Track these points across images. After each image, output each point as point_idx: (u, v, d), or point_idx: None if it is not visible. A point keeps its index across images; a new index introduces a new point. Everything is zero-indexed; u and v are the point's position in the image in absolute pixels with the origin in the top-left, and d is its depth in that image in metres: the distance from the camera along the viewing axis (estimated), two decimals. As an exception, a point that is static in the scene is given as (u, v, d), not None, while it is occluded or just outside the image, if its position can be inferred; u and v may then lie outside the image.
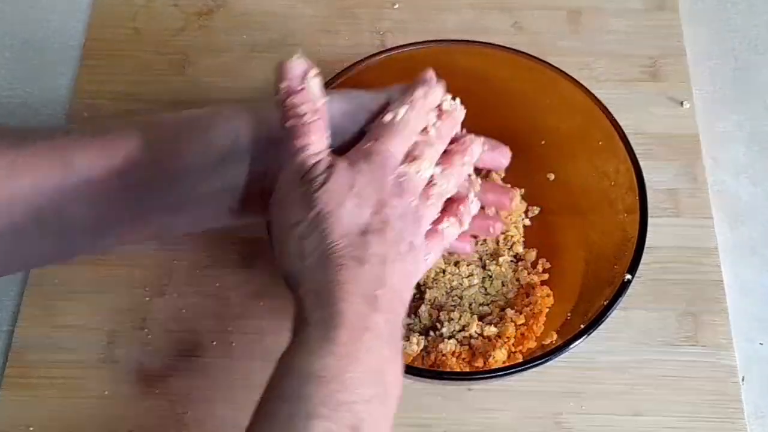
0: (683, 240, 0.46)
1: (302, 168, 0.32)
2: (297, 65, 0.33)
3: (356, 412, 0.27)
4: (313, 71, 0.33)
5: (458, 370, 0.40)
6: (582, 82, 0.42)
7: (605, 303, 0.36)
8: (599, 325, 0.36)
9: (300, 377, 0.28)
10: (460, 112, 0.37)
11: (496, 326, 0.41)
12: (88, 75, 0.52)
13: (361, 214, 0.31)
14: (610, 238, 0.40)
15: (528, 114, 0.44)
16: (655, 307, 0.44)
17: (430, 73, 0.36)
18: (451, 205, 0.36)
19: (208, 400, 0.42)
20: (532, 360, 0.36)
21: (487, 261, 0.44)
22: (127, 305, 0.44)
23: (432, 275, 0.43)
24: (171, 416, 0.41)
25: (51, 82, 0.52)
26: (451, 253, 0.44)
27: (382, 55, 0.43)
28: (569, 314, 0.40)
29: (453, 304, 0.42)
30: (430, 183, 0.34)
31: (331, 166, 0.32)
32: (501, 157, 0.40)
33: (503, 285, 0.43)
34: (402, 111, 0.34)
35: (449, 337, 0.41)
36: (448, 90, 0.38)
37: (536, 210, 0.45)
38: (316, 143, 0.32)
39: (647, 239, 0.38)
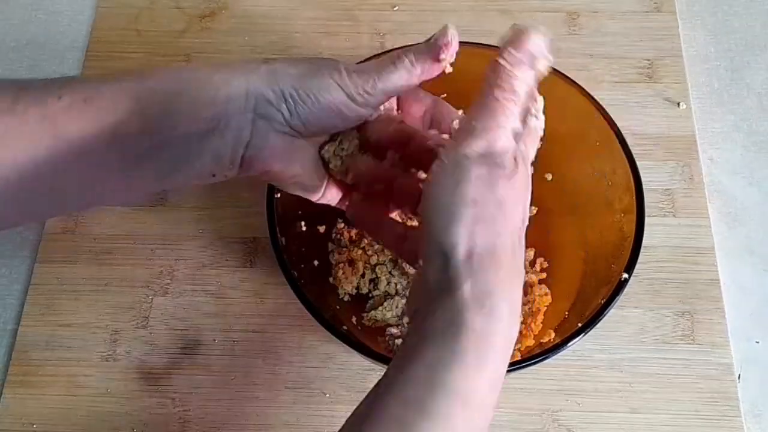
0: (680, 239, 0.46)
1: (494, 145, 0.29)
2: (544, 40, 0.31)
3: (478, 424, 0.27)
4: (546, 62, 0.31)
5: (457, 368, 0.40)
6: (580, 83, 0.42)
7: (602, 302, 0.36)
8: (597, 323, 0.36)
9: (448, 395, 0.26)
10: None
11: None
12: (91, 76, 0.53)
13: (518, 219, 0.30)
14: (607, 238, 0.40)
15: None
16: (652, 305, 0.44)
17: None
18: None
19: (210, 397, 0.42)
20: (530, 358, 0.36)
21: (486, 260, 0.44)
22: (129, 303, 0.45)
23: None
24: (173, 413, 0.41)
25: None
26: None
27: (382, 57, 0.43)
28: (567, 313, 0.40)
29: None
30: None
31: (516, 158, 0.30)
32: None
33: (502, 284, 0.43)
34: (541, 121, 0.34)
35: (448, 336, 0.41)
36: (446, 92, 0.39)
37: (534, 210, 0.45)
38: (514, 126, 0.30)
39: (644, 239, 0.38)
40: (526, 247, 0.44)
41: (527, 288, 0.43)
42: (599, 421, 0.41)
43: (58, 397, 0.42)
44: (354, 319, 0.42)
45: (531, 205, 0.45)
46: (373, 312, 0.42)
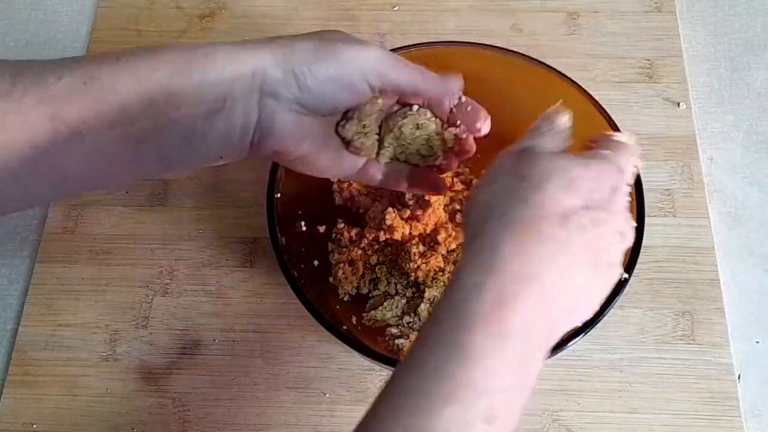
0: (680, 239, 0.46)
1: (534, 144, 0.32)
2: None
3: (493, 402, 0.25)
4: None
5: (457, 367, 0.40)
6: (580, 83, 0.42)
7: (602, 302, 0.36)
8: (596, 323, 0.36)
9: (447, 350, 0.26)
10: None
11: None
12: (90, 76, 0.53)
13: (569, 199, 0.29)
14: (607, 238, 0.40)
15: (526, 115, 0.44)
16: (652, 305, 0.44)
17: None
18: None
19: (210, 397, 0.42)
20: (530, 357, 0.36)
21: (486, 260, 0.44)
22: (129, 304, 0.45)
23: (431, 274, 0.43)
24: (173, 413, 0.41)
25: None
26: (450, 252, 0.44)
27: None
28: (567, 313, 0.40)
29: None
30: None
31: (555, 152, 0.31)
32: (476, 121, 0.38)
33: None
34: (633, 137, 0.33)
35: (448, 336, 0.41)
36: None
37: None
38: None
39: (644, 239, 0.38)
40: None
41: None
42: (599, 421, 0.41)
43: (58, 397, 0.42)
44: (354, 319, 0.42)
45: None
46: (373, 312, 0.42)
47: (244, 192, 0.48)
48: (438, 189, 0.40)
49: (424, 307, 0.42)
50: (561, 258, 0.28)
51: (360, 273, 0.44)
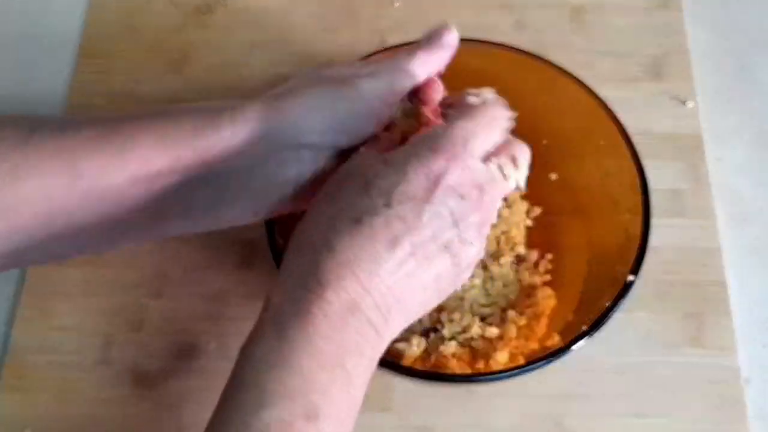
0: (687, 240, 0.45)
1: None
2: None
3: (312, 400, 0.27)
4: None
5: (459, 371, 0.39)
6: (584, 80, 0.42)
7: (608, 304, 0.36)
8: (602, 326, 0.36)
9: (254, 364, 0.28)
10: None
11: (497, 327, 0.41)
12: (85, 73, 0.52)
13: (363, 199, 0.29)
14: (612, 239, 0.40)
15: (530, 113, 0.43)
16: (658, 308, 0.43)
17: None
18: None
19: (205, 402, 0.41)
20: (534, 362, 0.35)
21: (489, 262, 0.43)
22: (123, 307, 0.44)
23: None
24: (168, 418, 0.41)
25: (47, 81, 0.52)
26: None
27: (383, 54, 0.43)
28: (571, 315, 0.39)
29: (454, 305, 0.42)
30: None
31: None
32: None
33: (505, 286, 0.43)
34: (488, 94, 0.33)
35: (450, 339, 0.41)
36: (449, 89, 0.38)
37: (538, 210, 0.45)
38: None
39: (650, 240, 0.37)
40: (531, 248, 0.44)
41: (531, 290, 0.42)
42: (604, 425, 0.40)
43: (51, 402, 0.41)
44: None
45: (535, 205, 0.45)
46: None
47: (241, 192, 0.47)
48: None
49: (425, 310, 0.42)
50: (355, 266, 0.29)
51: (359, 275, 0.43)
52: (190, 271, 0.45)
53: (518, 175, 0.33)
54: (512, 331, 0.40)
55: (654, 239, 0.37)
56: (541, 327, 0.41)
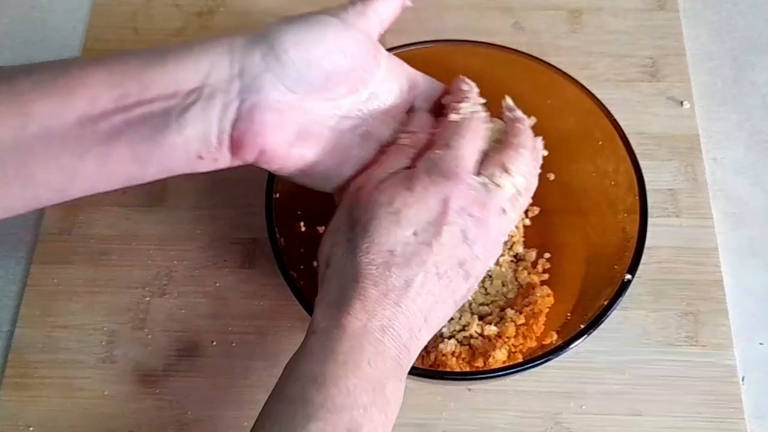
0: (683, 240, 0.46)
1: (366, 177, 0.33)
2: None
3: (354, 417, 0.28)
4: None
5: (458, 370, 0.40)
6: (582, 82, 0.42)
7: (605, 303, 0.36)
8: (599, 325, 0.36)
9: (301, 381, 0.29)
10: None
11: (496, 326, 0.41)
12: (87, 75, 0.52)
13: (396, 234, 0.31)
14: (610, 238, 0.40)
15: (528, 114, 0.44)
16: (655, 307, 0.44)
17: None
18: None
19: (208, 400, 0.42)
20: (532, 360, 0.35)
21: (487, 261, 0.44)
22: (126, 305, 0.44)
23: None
24: (170, 416, 0.41)
25: (51, 82, 0.52)
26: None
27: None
28: (569, 314, 0.39)
29: (453, 304, 0.42)
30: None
31: (383, 179, 0.33)
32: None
33: (503, 285, 0.43)
34: (465, 107, 0.34)
35: (449, 337, 0.41)
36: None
37: (536, 210, 0.45)
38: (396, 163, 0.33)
39: (647, 239, 0.37)
40: (529, 247, 0.44)
41: (529, 289, 0.43)
42: (602, 423, 0.41)
43: (54, 400, 0.42)
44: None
45: (533, 205, 0.45)
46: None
47: (242, 192, 0.47)
48: None
49: (424, 309, 0.42)
50: (395, 293, 0.30)
51: (360, 274, 0.43)
52: (192, 269, 0.45)
53: (514, 180, 0.33)
54: (511, 329, 0.40)
55: (651, 239, 0.38)
56: (540, 325, 0.41)
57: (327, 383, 0.28)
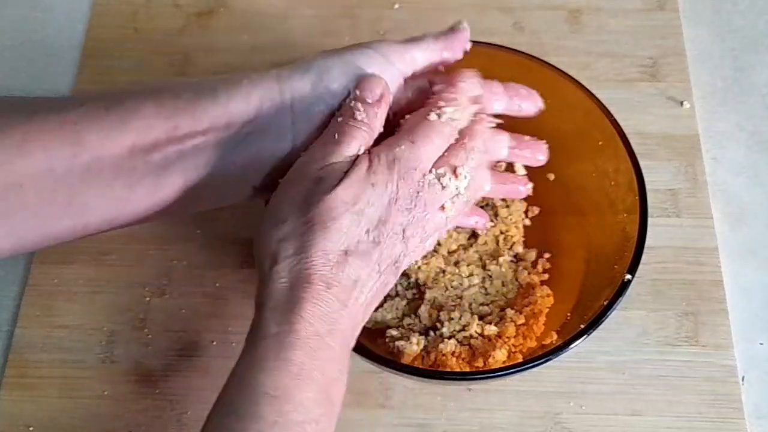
0: (683, 240, 0.46)
1: (321, 163, 0.31)
2: (377, 85, 0.33)
3: (306, 430, 0.28)
4: (388, 97, 0.33)
5: (458, 370, 0.40)
6: (582, 82, 0.42)
7: (605, 303, 0.36)
8: (599, 325, 0.36)
9: (254, 395, 0.28)
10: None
11: (496, 326, 0.41)
12: (88, 75, 0.52)
13: (353, 233, 0.30)
14: (610, 238, 0.40)
15: (528, 114, 0.44)
16: (655, 307, 0.44)
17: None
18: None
19: (208, 400, 0.41)
20: (532, 360, 0.35)
21: (487, 261, 0.44)
22: (126, 305, 0.44)
23: (432, 275, 0.43)
24: (170, 416, 0.41)
25: (51, 83, 0.52)
26: (451, 253, 0.44)
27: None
28: (569, 314, 0.40)
29: (453, 304, 0.42)
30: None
31: (346, 173, 0.31)
32: (538, 153, 0.39)
33: (503, 285, 0.43)
34: (449, 111, 0.33)
35: (449, 337, 0.41)
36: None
37: (536, 210, 0.45)
38: (350, 148, 0.32)
39: (647, 239, 0.37)
40: (529, 247, 0.44)
41: (529, 289, 0.43)
42: (601, 423, 0.41)
43: (54, 399, 0.42)
44: (354, 321, 0.42)
45: (533, 205, 0.45)
46: (373, 313, 0.42)
47: (242, 192, 0.47)
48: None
49: (424, 308, 0.42)
50: (345, 294, 0.30)
51: (360, 274, 0.43)
52: (192, 269, 0.45)
53: (458, 183, 0.33)
54: (511, 329, 0.40)
55: (651, 239, 0.38)
56: (540, 325, 0.41)
57: (280, 398, 0.28)
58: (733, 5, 0.55)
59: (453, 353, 0.40)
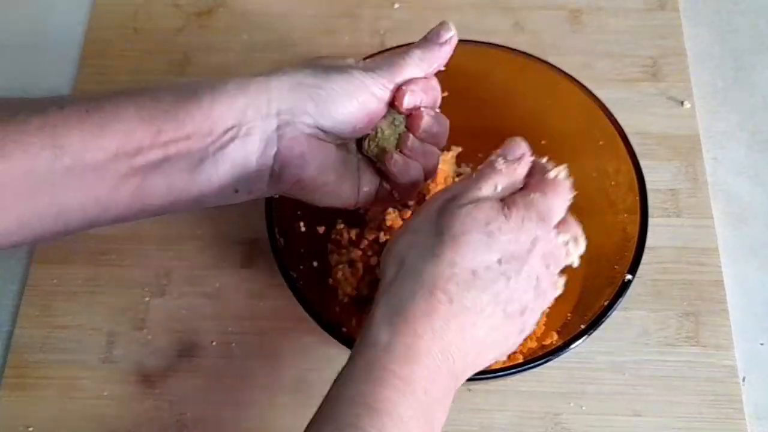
0: (684, 240, 0.45)
1: (460, 189, 0.32)
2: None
3: None
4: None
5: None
6: (582, 82, 0.42)
7: (606, 303, 0.36)
8: (599, 325, 0.36)
9: (356, 404, 0.28)
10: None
11: (496, 326, 0.41)
12: (87, 75, 0.52)
13: (483, 255, 0.30)
14: (610, 238, 0.40)
15: (528, 114, 0.44)
16: (655, 307, 0.44)
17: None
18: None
19: (208, 400, 0.42)
20: (532, 360, 0.35)
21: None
22: (126, 305, 0.44)
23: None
24: (170, 417, 0.41)
25: (50, 82, 0.52)
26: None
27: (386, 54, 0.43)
28: (569, 314, 0.40)
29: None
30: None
31: (482, 199, 0.32)
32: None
33: (503, 285, 0.43)
34: (564, 172, 0.34)
35: (449, 338, 0.41)
36: (449, 90, 0.38)
37: (536, 210, 0.45)
38: (487, 185, 0.32)
39: (648, 239, 0.37)
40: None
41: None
42: (602, 424, 0.41)
43: (54, 400, 0.42)
44: (354, 322, 0.42)
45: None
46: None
47: (242, 192, 0.47)
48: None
49: (424, 309, 0.42)
50: (464, 316, 0.30)
51: (360, 274, 0.43)
52: (192, 270, 0.45)
53: (579, 252, 0.34)
54: (511, 329, 0.40)
55: (651, 239, 0.38)
56: (540, 326, 0.41)
57: (381, 411, 0.27)
58: (733, 5, 0.55)
59: (453, 353, 0.40)
